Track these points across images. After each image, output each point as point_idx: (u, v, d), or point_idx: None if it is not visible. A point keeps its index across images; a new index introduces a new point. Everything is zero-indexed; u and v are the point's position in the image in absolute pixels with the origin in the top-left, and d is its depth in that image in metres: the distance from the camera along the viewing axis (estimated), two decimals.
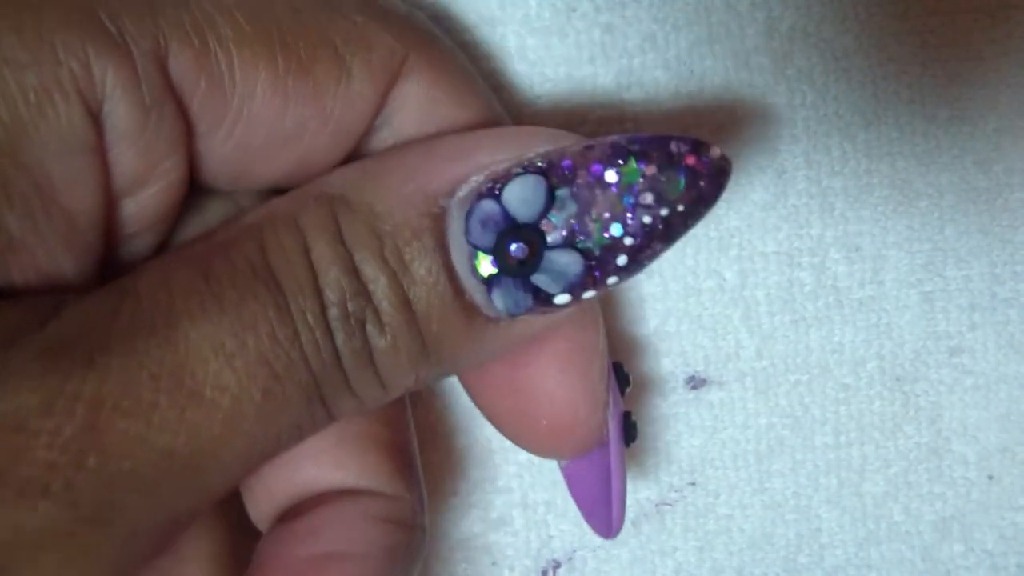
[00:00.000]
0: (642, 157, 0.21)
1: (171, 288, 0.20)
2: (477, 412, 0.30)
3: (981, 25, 0.28)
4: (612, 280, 0.22)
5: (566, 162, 0.21)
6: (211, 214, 0.23)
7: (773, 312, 0.30)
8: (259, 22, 0.20)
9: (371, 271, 0.21)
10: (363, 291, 0.21)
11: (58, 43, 0.19)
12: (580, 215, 0.21)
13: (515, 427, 0.25)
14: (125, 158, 0.20)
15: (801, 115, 0.29)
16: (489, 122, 0.23)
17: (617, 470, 0.26)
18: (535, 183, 0.21)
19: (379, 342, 0.21)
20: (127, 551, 0.20)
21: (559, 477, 0.30)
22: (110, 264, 0.22)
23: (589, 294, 0.22)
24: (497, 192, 0.21)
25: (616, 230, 0.21)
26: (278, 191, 0.23)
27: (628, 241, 0.21)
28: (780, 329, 0.30)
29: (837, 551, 0.32)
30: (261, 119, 0.20)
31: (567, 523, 0.31)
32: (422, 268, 0.21)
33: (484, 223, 0.21)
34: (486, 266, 0.21)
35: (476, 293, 0.22)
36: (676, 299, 0.30)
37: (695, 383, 0.31)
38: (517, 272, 0.21)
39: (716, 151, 0.22)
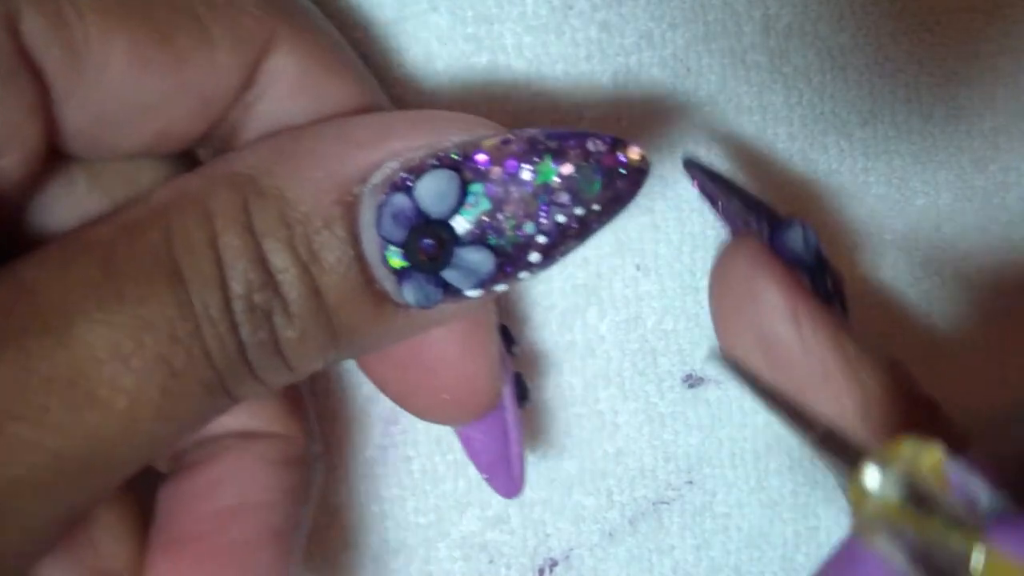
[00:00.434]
0: (559, 155, 0.21)
1: (68, 281, 0.19)
2: None
3: (978, 24, 0.28)
4: (523, 275, 0.22)
5: (481, 156, 0.21)
6: (78, 183, 0.22)
7: None
8: None
9: (280, 261, 0.20)
10: (271, 282, 0.20)
11: None
12: (493, 212, 0.21)
13: (415, 401, 0.25)
14: None
15: (798, 113, 0.29)
16: (364, 95, 0.23)
17: (513, 430, 0.26)
18: (448, 178, 0.21)
19: (286, 332, 0.21)
20: (21, 549, 0.20)
21: (556, 476, 0.30)
22: None
23: (500, 287, 0.22)
24: (410, 185, 0.21)
25: (529, 228, 0.21)
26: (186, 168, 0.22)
27: (541, 239, 0.21)
28: None
29: None
30: (118, 88, 0.20)
31: (564, 522, 0.31)
32: (332, 257, 0.21)
33: (396, 217, 0.21)
34: (397, 259, 0.21)
35: (386, 282, 0.21)
36: (673, 297, 0.30)
37: (692, 381, 0.31)
38: (427, 268, 0.21)
39: (635, 151, 0.21)
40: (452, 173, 0.21)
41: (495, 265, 0.21)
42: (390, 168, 0.21)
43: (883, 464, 0.15)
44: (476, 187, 0.21)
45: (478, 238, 0.21)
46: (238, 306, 0.20)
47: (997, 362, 0.31)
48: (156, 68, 0.20)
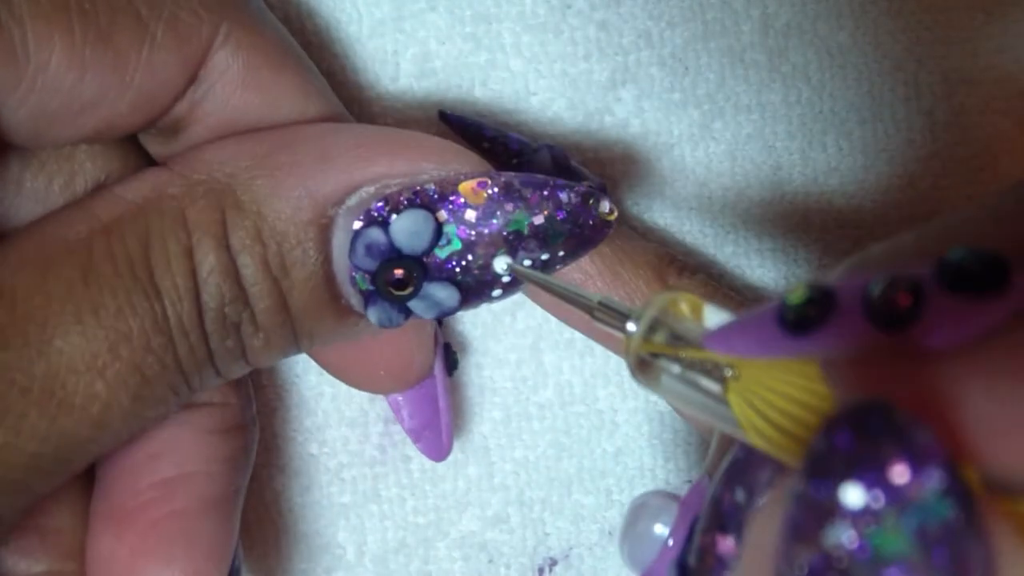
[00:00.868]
0: (532, 207, 0.22)
1: (48, 288, 0.20)
2: (474, 411, 0.30)
3: (977, 22, 0.28)
4: (482, 305, 0.23)
5: (457, 199, 0.22)
6: (12, 168, 0.22)
7: None
8: None
9: (252, 276, 0.21)
10: (242, 296, 0.21)
11: None
12: (463, 253, 0.22)
13: (352, 376, 0.26)
14: None
15: (797, 112, 0.29)
16: (310, 91, 0.23)
17: (442, 398, 0.28)
18: (424, 219, 0.21)
19: (253, 341, 0.22)
20: None
21: (556, 475, 0.30)
22: None
23: (458, 312, 0.23)
24: (387, 221, 0.21)
25: (498, 267, 0.22)
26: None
27: (506, 279, 0.22)
28: None
29: None
30: (57, 88, 0.20)
31: (563, 521, 0.31)
32: (303, 274, 0.22)
33: (369, 248, 0.22)
34: (365, 283, 0.22)
35: (352, 299, 0.22)
36: None
37: None
38: (394, 300, 0.22)
39: (605, 206, 0.22)
40: (427, 214, 0.21)
41: (459, 302, 0.22)
42: (366, 193, 0.22)
43: (637, 314, 0.18)
44: (449, 227, 0.22)
45: (446, 275, 0.22)
46: (209, 317, 0.21)
47: None
48: (96, 67, 0.20)
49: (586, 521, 0.31)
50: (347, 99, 0.28)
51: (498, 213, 0.22)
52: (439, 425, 0.28)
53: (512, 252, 0.22)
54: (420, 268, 0.22)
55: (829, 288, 0.15)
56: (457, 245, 0.22)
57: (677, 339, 0.18)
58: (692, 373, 0.17)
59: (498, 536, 0.31)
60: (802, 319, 0.15)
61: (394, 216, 0.21)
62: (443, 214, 0.22)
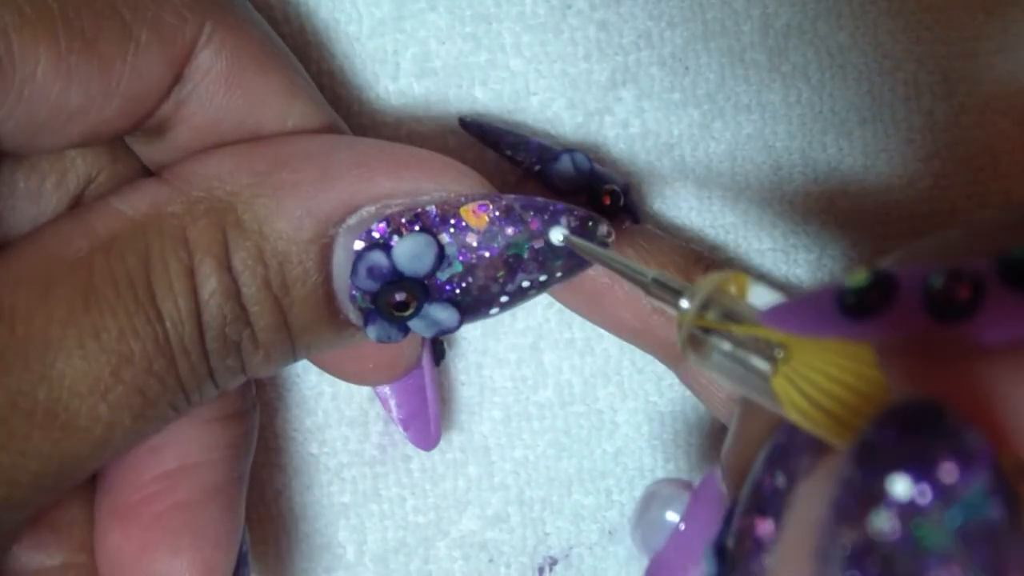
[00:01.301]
0: (533, 232, 0.22)
1: (49, 310, 0.20)
2: (474, 410, 0.30)
3: (977, 21, 0.28)
4: (476, 322, 0.23)
5: (459, 222, 0.22)
6: (4, 173, 0.23)
7: None
8: (41, 2, 0.20)
9: (253, 296, 0.21)
10: (243, 316, 0.21)
11: None
12: (464, 275, 0.22)
13: (342, 369, 0.26)
14: None
15: (797, 112, 0.29)
16: (296, 90, 0.23)
17: (430, 388, 0.28)
18: (426, 243, 0.22)
19: (253, 358, 0.22)
20: None
21: (556, 475, 0.30)
22: None
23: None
24: (390, 245, 0.22)
25: (495, 289, 0.22)
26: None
27: (504, 299, 0.23)
28: None
29: None
30: (44, 98, 0.20)
31: (563, 520, 0.31)
32: (303, 292, 0.22)
33: (371, 271, 0.22)
34: (366, 303, 0.22)
35: (351, 314, 0.23)
36: None
37: None
38: (395, 320, 0.22)
39: (603, 229, 0.23)
40: (430, 239, 0.22)
41: (458, 322, 0.23)
42: (367, 213, 0.22)
43: (692, 291, 0.18)
44: (451, 250, 0.22)
45: (447, 297, 0.22)
46: (210, 336, 0.21)
47: None
48: (82, 76, 0.20)
49: (586, 521, 0.31)
50: (347, 99, 0.28)
51: (499, 237, 0.22)
52: (427, 415, 0.28)
53: (511, 274, 0.22)
54: (422, 290, 0.22)
55: (891, 274, 0.15)
56: (458, 268, 0.22)
57: (729, 317, 0.18)
58: (743, 351, 0.17)
59: (498, 535, 0.31)
60: (861, 303, 0.15)
61: (396, 239, 0.22)
62: (444, 237, 0.22)
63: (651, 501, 0.25)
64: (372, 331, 0.22)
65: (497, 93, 0.28)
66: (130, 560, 0.23)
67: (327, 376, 0.30)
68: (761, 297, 0.18)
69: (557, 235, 0.22)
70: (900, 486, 0.13)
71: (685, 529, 0.24)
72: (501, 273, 0.22)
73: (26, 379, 0.19)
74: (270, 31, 0.24)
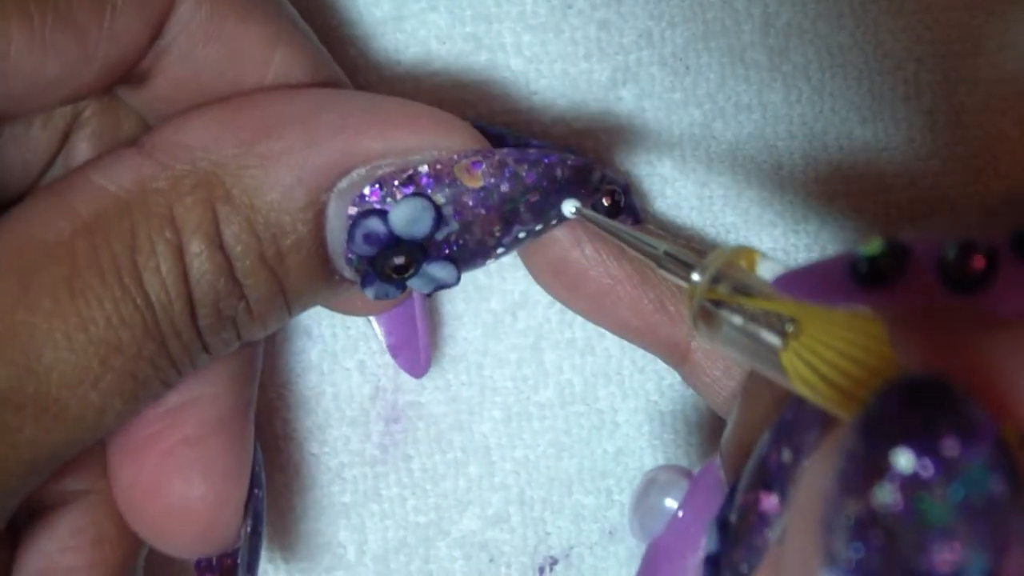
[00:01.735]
0: (529, 189, 0.22)
1: (32, 303, 0.19)
2: (475, 409, 0.30)
3: (977, 21, 0.28)
4: (472, 271, 0.23)
5: (453, 182, 0.21)
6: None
7: None
8: None
9: (247, 269, 0.21)
10: (236, 291, 0.21)
11: None
12: (461, 233, 0.22)
13: (331, 306, 0.26)
14: None
15: (797, 111, 0.29)
16: (277, 42, 0.23)
17: (420, 317, 0.28)
18: (423, 207, 0.21)
19: (248, 327, 0.22)
20: None
21: (556, 475, 0.30)
22: None
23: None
24: (385, 210, 0.21)
25: (491, 243, 0.22)
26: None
27: (500, 250, 0.23)
28: None
29: None
30: (19, 74, 0.20)
31: (564, 520, 0.31)
32: (298, 259, 0.21)
33: (367, 238, 0.21)
34: (363, 264, 0.22)
35: (346, 273, 0.22)
36: None
37: None
38: (393, 281, 0.22)
39: (596, 175, 0.23)
40: (426, 202, 0.21)
41: (456, 277, 0.22)
42: (357, 175, 0.21)
43: (704, 265, 0.19)
44: (447, 209, 0.22)
45: (445, 255, 0.22)
46: (203, 314, 0.21)
47: None
48: (58, 47, 0.20)
49: (587, 520, 0.31)
50: None
51: (494, 194, 0.22)
52: (417, 342, 0.28)
53: (508, 227, 0.22)
54: (420, 252, 0.22)
55: (905, 244, 0.15)
56: (455, 227, 0.22)
57: (740, 291, 0.18)
58: (754, 325, 0.17)
59: (499, 535, 0.31)
60: (875, 271, 0.15)
61: (392, 204, 0.21)
62: (440, 198, 0.21)
63: (650, 488, 0.25)
64: (370, 291, 0.22)
65: (497, 93, 0.28)
66: (142, 497, 0.23)
67: (327, 376, 0.30)
68: (770, 271, 0.18)
69: (569, 208, 0.22)
70: (903, 460, 0.13)
71: (683, 515, 0.24)
72: (497, 227, 0.22)
73: (13, 374, 0.19)
74: None
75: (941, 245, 0.15)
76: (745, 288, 0.18)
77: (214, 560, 0.25)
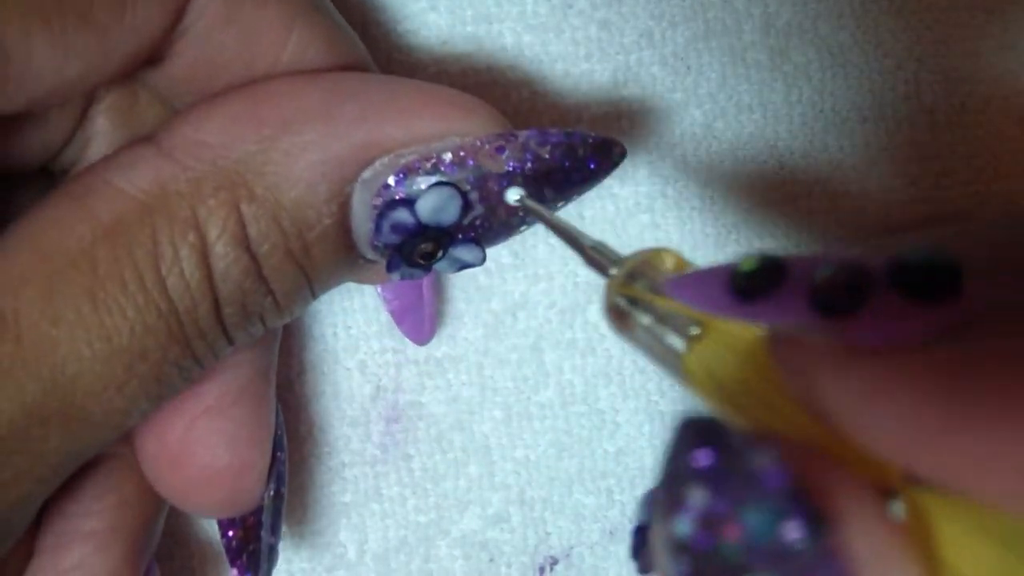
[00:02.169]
0: (552, 169, 0.22)
1: (55, 315, 0.19)
2: (475, 409, 0.30)
3: (978, 20, 0.28)
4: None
5: (477, 168, 0.21)
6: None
7: None
8: None
9: (274, 266, 0.21)
10: (263, 288, 0.21)
11: None
12: (486, 216, 0.22)
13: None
14: None
15: (798, 111, 0.29)
16: (293, 25, 0.22)
17: (427, 285, 0.28)
18: (450, 196, 0.21)
19: (274, 318, 0.22)
20: (19, 526, 0.22)
21: (556, 474, 0.30)
22: None
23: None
24: (411, 199, 0.21)
25: (515, 222, 0.22)
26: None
27: (523, 227, 0.23)
28: None
29: None
30: (41, 78, 0.20)
31: (565, 520, 0.31)
32: (324, 251, 0.21)
33: (395, 228, 0.21)
34: (389, 251, 0.22)
35: (369, 255, 0.22)
36: None
37: None
38: (420, 265, 0.22)
39: (617, 150, 0.23)
40: (453, 191, 0.21)
41: (483, 257, 0.22)
42: (380, 165, 0.21)
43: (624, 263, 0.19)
44: (472, 196, 0.22)
45: (471, 238, 0.22)
46: (228, 312, 0.21)
47: None
48: (79, 48, 0.20)
49: (587, 520, 0.31)
50: None
51: (519, 178, 0.22)
52: (422, 309, 0.28)
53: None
54: (447, 237, 0.22)
55: (781, 261, 0.15)
56: (480, 210, 0.22)
57: (656, 291, 0.18)
58: (660, 327, 0.18)
59: (499, 535, 0.31)
60: (749, 286, 0.15)
61: (417, 192, 0.21)
62: (465, 184, 0.21)
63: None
64: (396, 275, 0.22)
65: (498, 94, 0.28)
66: (167, 466, 0.24)
67: (328, 376, 0.30)
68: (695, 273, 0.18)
69: (513, 195, 0.22)
70: (697, 497, 0.13)
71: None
72: (521, 208, 0.22)
73: (38, 389, 0.19)
74: None
75: (816, 265, 0.14)
76: (659, 289, 0.18)
77: (237, 519, 0.25)
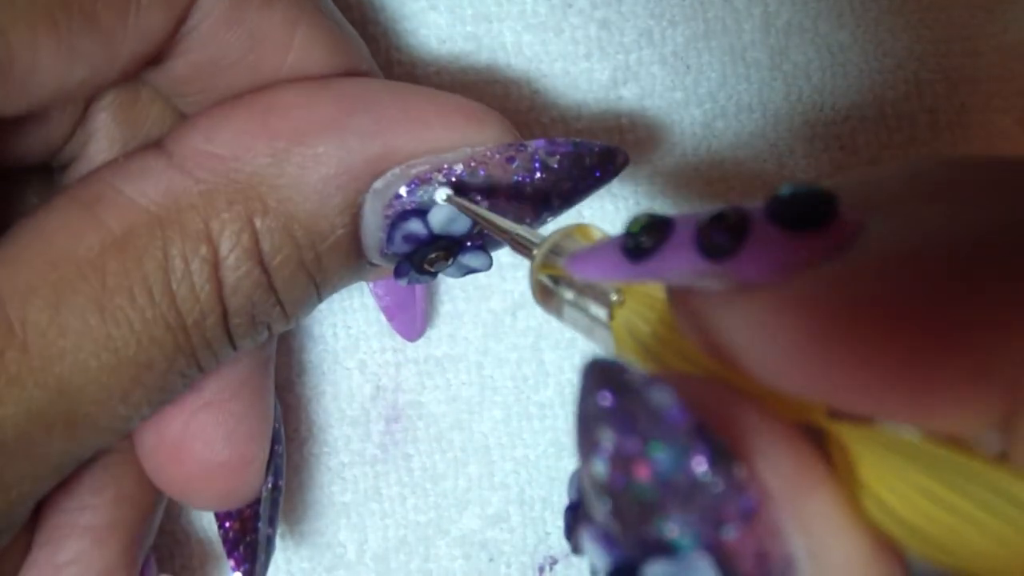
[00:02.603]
0: (560, 178, 0.22)
1: (63, 324, 0.19)
2: (475, 409, 0.30)
3: (978, 20, 0.28)
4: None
5: (488, 177, 0.22)
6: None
7: None
8: None
9: (286, 277, 0.21)
10: (273, 299, 0.21)
11: None
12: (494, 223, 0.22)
13: None
14: None
15: (798, 111, 0.29)
16: (296, 28, 0.22)
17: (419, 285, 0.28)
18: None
19: (280, 325, 0.22)
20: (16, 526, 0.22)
21: (556, 474, 0.30)
22: None
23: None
24: (423, 210, 0.21)
25: (438, 198, 0.22)
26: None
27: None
28: None
29: None
30: (48, 80, 0.20)
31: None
32: (335, 261, 0.22)
33: (407, 238, 0.22)
34: (398, 258, 0.22)
35: (376, 260, 0.22)
36: None
37: None
38: (428, 274, 0.22)
39: (620, 158, 0.23)
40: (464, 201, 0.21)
41: (490, 263, 0.23)
42: (392, 175, 0.21)
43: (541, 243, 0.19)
44: (483, 206, 0.22)
45: (479, 245, 0.22)
46: (235, 323, 0.21)
47: None
48: (84, 51, 0.20)
49: None
50: None
51: (528, 187, 0.22)
52: (414, 306, 0.28)
53: (538, 213, 0.23)
54: (457, 246, 0.22)
55: (667, 217, 0.15)
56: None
57: None
58: (584, 299, 0.18)
59: (499, 535, 0.31)
60: (639, 246, 0.15)
61: (429, 203, 0.21)
62: (475, 195, 0.22)
63: None
64: (403, 280, 0.22)
65: (498, 93, 0.28)
66: (166, 461, 0.24)
67: (327, 376, 0.30)
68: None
69: (441, 195, 0.22)
70: (606, 437, 0.14)
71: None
72: (529, 216, 0.22)
73: (43, 396, 0.19)
74: None
75: (700, 216, 0.15)
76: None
77: (234, 511, 0.26)
